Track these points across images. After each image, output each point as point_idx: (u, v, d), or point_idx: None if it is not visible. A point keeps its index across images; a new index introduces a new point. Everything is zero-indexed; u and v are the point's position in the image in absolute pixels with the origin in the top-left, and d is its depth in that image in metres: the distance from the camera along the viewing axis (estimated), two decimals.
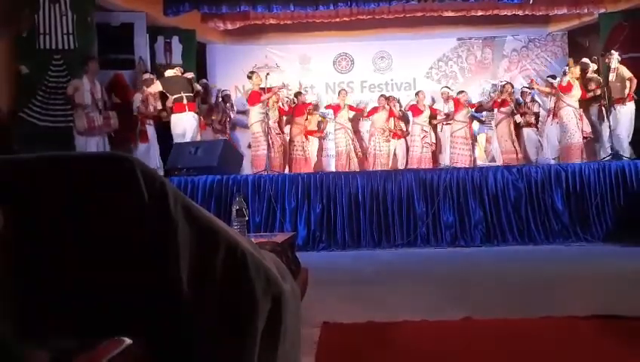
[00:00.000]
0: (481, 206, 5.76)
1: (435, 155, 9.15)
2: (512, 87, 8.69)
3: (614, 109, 7.31)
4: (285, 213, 5.84)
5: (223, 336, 0.88)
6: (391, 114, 9.01)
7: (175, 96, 7.57)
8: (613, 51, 7.59)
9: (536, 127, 8.62)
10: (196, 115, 7.72)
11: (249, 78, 8.07)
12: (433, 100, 9.73)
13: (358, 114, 9.54)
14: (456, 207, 5.77)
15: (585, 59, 8.12)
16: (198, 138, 7.68)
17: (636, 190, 5.71)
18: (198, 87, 7.98)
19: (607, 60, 7.45)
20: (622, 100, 7.27)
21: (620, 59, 7.45)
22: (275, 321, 0.99)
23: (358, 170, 8.51)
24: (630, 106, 7.29)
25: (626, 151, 7.17)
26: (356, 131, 9.66)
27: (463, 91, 8.97)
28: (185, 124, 7.50)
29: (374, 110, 9.15)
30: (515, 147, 8.35)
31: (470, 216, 5.75)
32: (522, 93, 8.77)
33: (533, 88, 8.59)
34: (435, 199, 5.77)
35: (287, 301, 1.03)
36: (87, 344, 0.71)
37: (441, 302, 3.20)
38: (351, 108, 9.32)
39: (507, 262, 4.84)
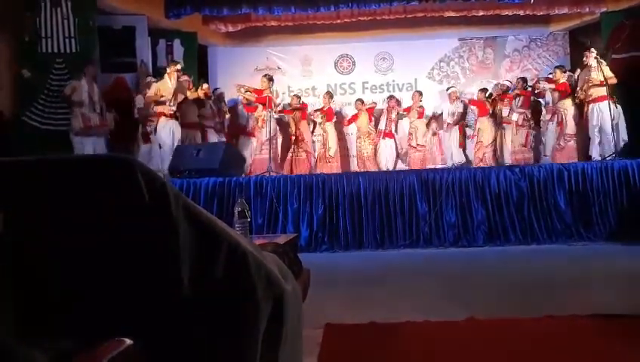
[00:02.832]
0: (483, 206, 5.75)
1: (428, 155, 9.15)
2: (525, 82, 8.64)
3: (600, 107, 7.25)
4: (287, 214, 5.83)
5: (223, 337, 0.88)
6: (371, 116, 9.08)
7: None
8: (592, 50, 7.53)
9: (539, 126, 8.62)
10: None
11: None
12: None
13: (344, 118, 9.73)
14: (459, 206, 5.75)
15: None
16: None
17: (639, 189, 5.69)
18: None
19: (584, 59, 7.38)
20: (599, 99, 7.21)
21: (598, 57, 7.40)
22: (277, 322, 0.99)
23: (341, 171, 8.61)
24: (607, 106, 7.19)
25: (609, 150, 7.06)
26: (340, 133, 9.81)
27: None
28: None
29: (354, 117, 9.33)
30: (528, 146, 8.35)
31: (473, 216, 5.73)
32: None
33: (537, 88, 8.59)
34: (437, 199, 5.76)
35: (288, 301, 1.03)
36: (87, 344, 0.71)
37: (443, 302, 3.20)
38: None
39: (510, 262, 4.83)
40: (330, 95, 9.33)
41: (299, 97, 9.23)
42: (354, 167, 9.48)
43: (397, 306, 3.13)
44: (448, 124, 9.24)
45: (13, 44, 7.02)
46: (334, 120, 9.30)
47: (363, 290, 3.70)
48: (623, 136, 7.33)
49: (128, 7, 8.02)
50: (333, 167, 8.82)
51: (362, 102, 9.28)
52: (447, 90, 9.49)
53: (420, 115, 9.13)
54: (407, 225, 5.74)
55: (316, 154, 9.21)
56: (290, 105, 9.11)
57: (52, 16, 7.06)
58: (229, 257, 0.91)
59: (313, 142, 9.32)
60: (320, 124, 9.24)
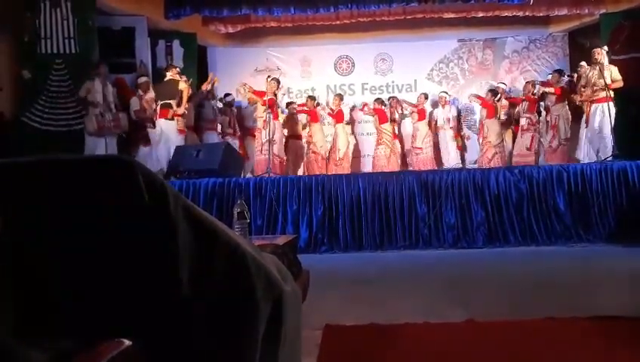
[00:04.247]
0: (483, 207, 5.74)
1: (428, 158, 9.15)
2: (534, 86, 8.63)
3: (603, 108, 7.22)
4: (287, 215, 5.83)
5: (223, 337, 0.88)
6: (383, 118, 9.08)
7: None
8: (604, 47, 7.54)
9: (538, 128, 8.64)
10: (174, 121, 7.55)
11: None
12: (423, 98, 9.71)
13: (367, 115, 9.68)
14: (459, 208, 5.74)
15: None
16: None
17: (639, 190, 5.69)
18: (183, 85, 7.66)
19: (597, 55, 7.36)
20: (602, 100, 7.20)
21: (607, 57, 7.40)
22: (276, 323, 0.99)
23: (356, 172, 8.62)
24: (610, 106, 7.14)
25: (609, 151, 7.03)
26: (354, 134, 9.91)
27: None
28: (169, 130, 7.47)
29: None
30: (532, 150, 8.38)
31: (472, 218, 5.72)
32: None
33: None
34: (437, 200, 5.75)
35: (287, 302, 1.03)
36: (87, 344, 0.71)
37: (443, 303, 3.19)
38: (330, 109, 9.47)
39: (509, 264, 4.83)
40: (340, 97, 9.34)
41: (314, 98, 9.25)
42: (365, 168, 9.47)
43: (396, 307, 3.12)
44: (440, 127, 9.25)
45: (13, 44, 7.02)
46: (344, 122, 9.34)
47: (362, 291, 3.69)
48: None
49: (128, 8, 8.02)
50: (343, 169, 8.85)
51: (381, 102, 9.24)
52: (439, 94, 9.47)
53: (422, 116, 9.13)
54: (407, 227, 5.74)
55: (327, 155, 9.25)
56: (305, 105, 9.14)
57: (52, 17, 7.06)
58: (229, 258, 0.91)
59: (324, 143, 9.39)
60: (329, 124, 9.30)
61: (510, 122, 8.90)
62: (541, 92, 8.33)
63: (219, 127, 8.64)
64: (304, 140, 9.13)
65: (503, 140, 8.70)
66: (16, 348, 0.67)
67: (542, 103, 8.60)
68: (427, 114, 9.27)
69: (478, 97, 9.07)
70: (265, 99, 7.73)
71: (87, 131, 6.80)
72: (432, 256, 5.30)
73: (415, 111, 9.19)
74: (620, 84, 7.24)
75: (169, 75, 7.63)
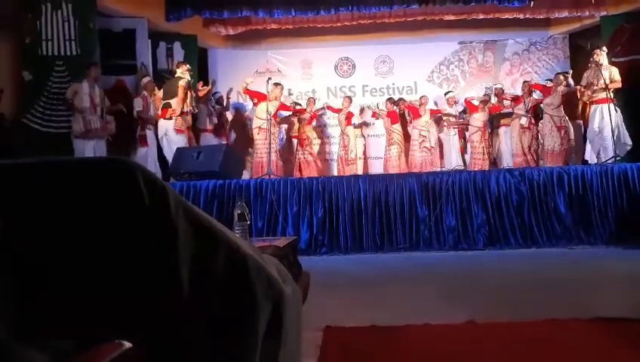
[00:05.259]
0: (483, 209, 5.74)
1: (436, 158, 9.16)
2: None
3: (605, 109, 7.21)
4: (287, 217, 5.83)
5: (223, 340, 0.88)
6: (394, 119, 9.09)
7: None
8: (604, 48, 7.55)
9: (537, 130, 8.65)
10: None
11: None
12: (436, 104, 9.81)
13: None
14: (459, 210, 5.75)
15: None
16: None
17: (639, 192, 5.69)
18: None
19: (595, 56, 7.36)
20: (602, 101, 7.20)
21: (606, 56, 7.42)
22: (276, 325, 0.99)
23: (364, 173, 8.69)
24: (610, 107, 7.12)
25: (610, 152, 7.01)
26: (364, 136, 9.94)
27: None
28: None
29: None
30: (529, 149, 8.41)
31: (473, 220, 5.72)
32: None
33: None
34: (437, 202, 5.75)
35: (288, 304, 1.03)
36: (86, 346, 0.71)
37: (444, 305, 3.19)
38: (329, 108, 9.55)
39: (510, 265, 4.83)
40: (349, 99, 9.39)
41: (314, 101, 9.31)
42: (375, 169, 9.48)
43: (397, 309, 3.13)
44: (449, 125, 9.27)
45: (14, 46, 7.04)
46: (353, 124, 9.39)
47: (363, 293, 3.69)
48: (625, 140, 7.29)
49: (128, 10, 8.03)
50: (355, 170, 8.89)
51: (393, 102, 9.27)
52: (445, 94, 9.52)
53: (433, 114, 9.21)
54: (407, 229, 5.73)
55: (336, 156, 9.28)
56: (307, 107, 9.20)
57: (53, 19, 7.08)
58: (229, 260, 0.91)
59: (322, 144, 9.38)
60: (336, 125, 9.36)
61: (498, 124, 9.00)
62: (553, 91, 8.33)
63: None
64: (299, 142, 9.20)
65: (485, 143, 8.88)
66: (16, 347, 0.67)
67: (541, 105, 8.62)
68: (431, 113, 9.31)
69: (471, 106, 9.12)
70: (276, 103, 7.84)
71: (73, 133, 6.72)
72: (433, 258, 5.30)
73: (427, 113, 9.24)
74: (619, 85, 7.24)
75: (179, 73, 7.52)
